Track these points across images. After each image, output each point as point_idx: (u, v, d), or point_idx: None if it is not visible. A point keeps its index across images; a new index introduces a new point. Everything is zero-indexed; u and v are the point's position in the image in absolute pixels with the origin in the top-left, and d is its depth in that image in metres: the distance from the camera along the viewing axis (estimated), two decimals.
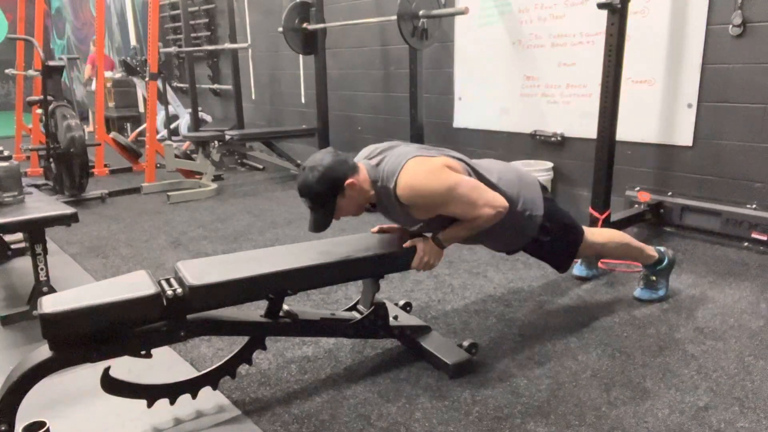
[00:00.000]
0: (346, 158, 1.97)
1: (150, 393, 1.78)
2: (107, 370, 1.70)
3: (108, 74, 8.36)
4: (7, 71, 7.21)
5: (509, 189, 2.09)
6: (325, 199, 1.93)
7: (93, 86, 8.15)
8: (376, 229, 2.26)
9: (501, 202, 2.00)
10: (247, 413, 1.84)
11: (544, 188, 2.25)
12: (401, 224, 2.16)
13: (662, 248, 2.60)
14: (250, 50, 6.81)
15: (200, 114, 7.25)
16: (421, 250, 2.04)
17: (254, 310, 2.03)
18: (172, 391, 1.82)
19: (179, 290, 1.68)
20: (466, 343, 2.10)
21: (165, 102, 7.12)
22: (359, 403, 1.88)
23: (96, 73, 6.54)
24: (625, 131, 3.35)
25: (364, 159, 2.06)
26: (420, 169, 1.93)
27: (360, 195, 1.97)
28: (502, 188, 2.07)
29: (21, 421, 1.52)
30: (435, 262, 2.06)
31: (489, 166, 2.16)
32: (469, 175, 2.03)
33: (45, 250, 2.55)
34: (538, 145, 4.11)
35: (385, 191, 1.97)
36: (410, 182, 1.91)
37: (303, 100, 6.25)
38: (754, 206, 3.16)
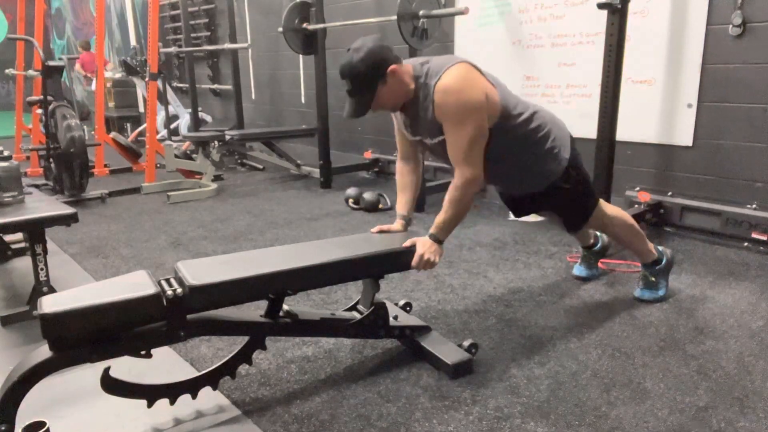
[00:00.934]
0: (390, 47, 1.98)
1: (150, 393, 1.78)
2: (107, 370, 1.70)
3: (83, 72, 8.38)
4: (7, 71, 7.21)
5: (544, 123, 2.12)
6: (367, 83, 1.93)
7: (93, 86, 8.15)
8: (376, 229, 2.26)
9: (481, 171, 2.01)
10: (247, 413, 1.84)
11: (572, 138, 2.27)
12: (423, 133, 2.12)
13: (661, 248, 2.60)
14: (250, 50, 6.81)
15: (200, 114, 7.25)
16: (420, 248, 2.04)
17: (254, 310, 2.03)
18: (172, 391, 1.82)
19: (179, 290, 1.68)
20: (466, 343, 2.10)
21: (165, 102, 7.13)
22: (359, 403, 1.88)
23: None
24: (625, 131, 3.36)
25: (412, 60, 2.08)
26: (465, 76, 1.94)
27: (400, 86, 1.97)
28: (537, 118, 2.10)
29: (21, 421, 1.52)
30: (435, 259, 2.06)
31: (527, 102, 2.18)
32: (507, 102, 2.04)
33: (45, 250, 2.54)
34: None
35: (425, 88, 1.97)
36: (451, 81, 1.92)
37: (303, 100, 6.25)
38: (754, 206, 3.16)
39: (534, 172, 2.21)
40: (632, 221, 2.53)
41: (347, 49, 1.96)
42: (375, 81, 1.92)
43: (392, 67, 1.93)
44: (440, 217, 2.07)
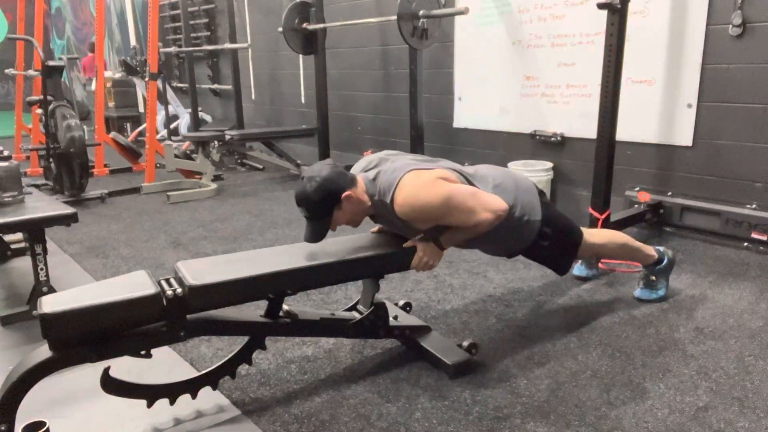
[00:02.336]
0: (344, 171, 1.98)
1: (150, 393, 1.78)
2: (107, 370, 1.70)
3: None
4: (7, 71, 7.21)
5: (506, 195, 2.08)
6: (322, 211, 1.94)
7: (93, 86, 8.15)
8: (376, 229, 2.27)
9: (500, 204, 2.00)
10: (247, 413, 1.84)
11: (541, 192, 2.25)
12: (404, 234, 2.15)
13: (662, 248, 2.60)
14: (250, 50, 6.81)
15: (200, 114, 7.25)
16: (421, 250, 2.04)
17: (254, 310, 2.03)
18: (172, 391, 1.82)
19: (179, 290, 1.68)
20: (466, 343, 2.10)
21: (165, 102, 7.12)
22: (359, 403, 1.88)
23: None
24: (625, 131, 3.35)
25: (361, 172, 2.07)
26: (415, 184, 1.94)
27: (358, 207, 1.99)
28: (501, 188, 2.08)
29: (21, 421, 1.52)
30: (435, 262, 2.06)
31: (485, 173, 2.16)
32: (465, 184, 2.04)
33: (45, 250, 2.55)
34: (538, 145, 4.11)
35: (383, 205, 1.99)
36: (407, 198, 1.92)
37: (303, 100, 6.25)
38: (754, 206, 3.16)
39: (509, 242, 2.20)
40: (624, 239, 2.51)
41: (301, 178, 1.97)
42: (330, 207, 1.94)
43: (346, 193, 1.93)
44: (452, 231, 2.05)
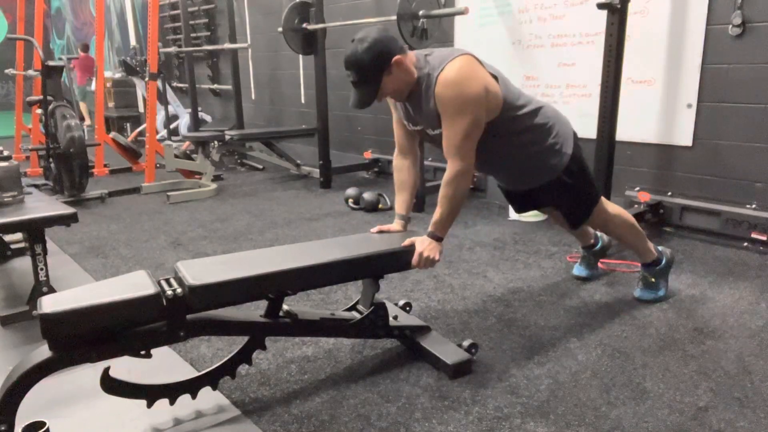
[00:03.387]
0: (395, 37, 1.98)
1: (150, 393, 1.78)
2: (107, 370, 1.70)
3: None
4: (7, 71, 7.21)
5: (547, 117, 2.13)
6: (372, 73, 1.94)
7: (93, 86, 8.15)
8: (376, 229, 2.26)
9: (471, 162, 2.01)
10: (246, 413, 1.84)
11: (575, 134, 2.28)
12: (425, 125, 2.12)
13: (661, 248, 2.60)
14: (249, 50, 6.81)
15: (200, 114, 7.25)
16: (420, 247, 2.04)
17: (254, 310, 2.03)
18: (171, 392, 1.82)
19: (179, 290, 1.68)
20: (466, 343, 2.10)
21: (165, 102, 7.13)
22: (359, 403, 1.88)
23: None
24: (625, 131, 3.36)
25: (416, 51, 2.08)
26: (467, 69, 1.95)
27: (405, 77, 1.98)
28: (539, 113, 2.11)
29: (21, 421, 1.52)
30: (435, 256, 2.06)
31: (530, 96, 2.19)
32: (508, 95, 2.05)
33: (45, 250, 2.54)
34: None
35: (428, 79, 1.98)
36: (452, 73, 1.93)
37: (303, 100, 6.25)
38: (754, 206, 3.16)
39: (536, 166, 2.21)
40: (633, 221, 2.54)
41: (351, 40, 1.97)
42: (380, 72, 1.93)
43: (397, 57, 1.93)
44: (436, 215, 2.07)
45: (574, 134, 2.27)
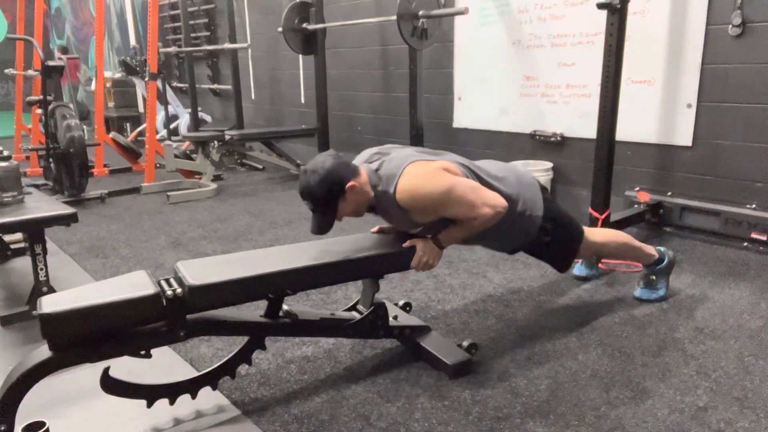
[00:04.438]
0: (347, 161, 1.98)
1: (150, 393, 1.78)
2: (107, 370, 1.70)
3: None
4: (6, 71, 7.21)
5: (509, 189, 2.09)
6: (327, 202, 1.94)
7: (92, 86, 8.14)
8: (376, 229, 2.27)
9: (500, 201, 2.00)
10: (246, 413, 1.84)
11: (543, 189, 2.25)
12: (402, 228, 2.16)
13: (662, 248, 2.60)
14: (249, 50, 6.81)
15: (200, 114, 7.25)
16: (421, 249, 2.04)
17: (254, 310, 2.03)
18: (171, 391, 1.82)
19: (179, 290, 1.68)
20: (465, 343, 2.10)
21: (165, 102, 7.12)
22: (359, 403, 1.88)
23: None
24: (625, 131, 3.35)
25: (363, 163, 2.07)
26: (418, 173, 1.94)
27: (361, 197, 1.98)
28: (501, 188, 2.08)
29: (21, 421, 1.52)
30: (434, 262, 2.07)
31: (488, 166, 2.17)
32: (468, 177, 2.03)
33: (45, 250, 2.54)
34: (537, 145, 4.11)
35: (385, 196, 1.98)
36: (409, 187, 1.93)
37: (303, 100, 6.25)
38: (753, 206, 3.16)
39: (509, 235, 2.20)
40: (625, 239, 2.52)
41: (303, 170, 1.96)
42: (335, 199, 1.94)
43: (350, 183, 1.92)
44: (451, 229, 2.05)
45: (542, 189, 2.24)
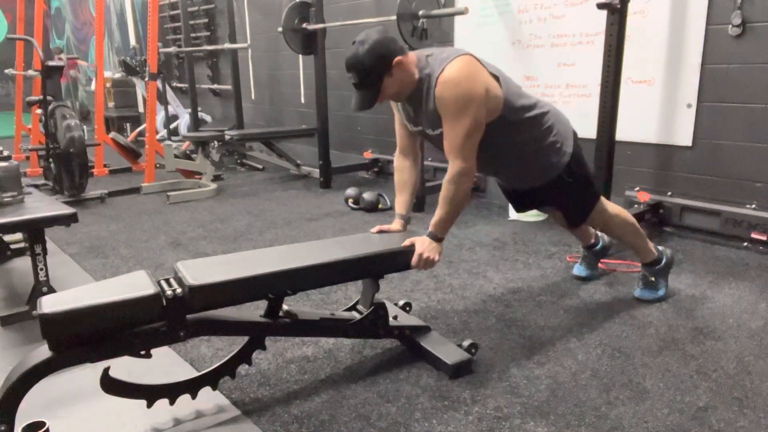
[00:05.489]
0: (395, 38, 1.98)
1: (149, 393, 1.78)
2: (107, 370, 1.70)
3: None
4: (6, 71, 7.21)
5: (547, 116, 2.14)
6: (373, 75, 1.93)
7: (93, 86, 8.13)
8: (376, 229, 2.26)
9: (473, 164, 2.01)
10: (246, 413, 1.84)
11: (575, 133, 2.29)
12: (425, 125, 2.13)
13: (661, 248, 2.60)
14: (249, 50, 6.81)
15: (200, 114, 7.25)
16: (420, 247, 2.04)
17: (254, 310, 2.03)
18: (171, 392, 1.82)
19: (179, 290, 1.68)
20: (465, 343, 2.10)
21: (164, 102, 7.12)
22: (359, 403, 1.88)
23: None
24: (625, 131, 3.36)
25: (417, 51, 2.08)
26: (467, 69, 1.94)
27: (406, 77, 1.97)
28: (539, 111, 2.12)
29: (21, 421, 1.51)
30: (435, 257, 2.06)
31: (530, 95, 2.20)
32: (509, 95, 2.04)
33: (44, 250, 2.54)
34: None
35: (428, 80, 1.97)
36: (452, 73, 1.93)
37: (303, 100, 6.25)
38: (753, 206, 3.16)
39: (536, 165, 2.22)
40: (633, 220, 2.54)
41: (352, 42, 1.96)
42: (381, 73, 1.93)
43: (397, 58, 1.92)
44: (437, 215, 2.07)
45: (574, 133, 2.28)
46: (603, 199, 2.42)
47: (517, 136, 2.12)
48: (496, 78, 2.04)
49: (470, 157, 2.01)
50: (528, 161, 2.20)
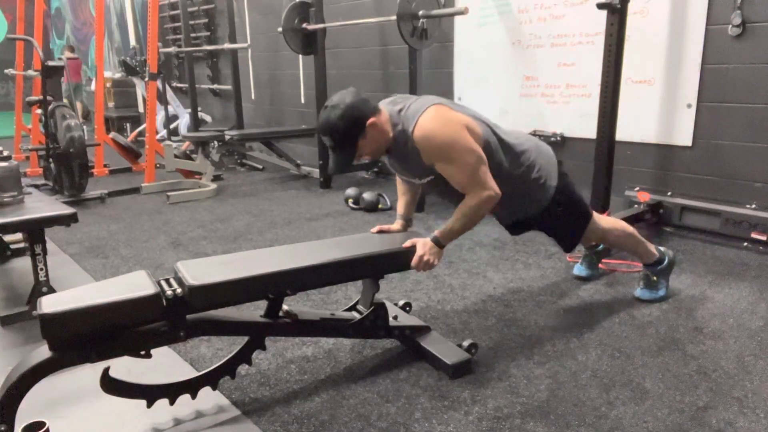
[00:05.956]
0: (368, 99, 1.98)
1: (149, 393, 1.78)
2: (107, 370, 1.70)
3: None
4: (6, 71, 7.21)
5: (527, 153, 2.12)
6: (347, 139, 1.93)
7: (93, 86, 8.14)
8: (376, 229, 2.26)
9: (496, 188, 2.00)
10: (246, 413, 1.84)
11: (560, 162, 2.28)
12: (411, 175, 2.14)
13: (663, 248, 2.60)
14: (249, 50, 6.81)
15: (200, 114, 7.25)
16: (421, 249, 2.04)
17: (254, 310, 2.03)
18: (171, 392, 1.82)
19: (179, 290, 1.68)
20: (465, 343, 2.10)
21: (164, 102, 7.13)
22: (359, 404, 1.88)
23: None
24: (625, 131, 3.36)
25: (387, 104, 2.07)
26: (439, 116, 1.95)
27: (380, 136, 1.98)
28: (520, 150, 2.10)
29: (21, 421, 1.51)
30: (435, 261, 2.06)
31: (508, 130, 2.18)
32: (488, 135, 2.04)
33: (44, 250, 2.54)
34: None
35: (403, 135, 1.97)
36: (426, 126, 1.93)
37: (303, 100, 6.25)
38: (753, 206, 3.16)
39: (521, 201, 2.21)
40: (630, 229, 2.53)
41: (324, 106, 1.97)
42: (355, 136, 1.93)
43: (371, 120, 1.93)
44: (448, 225, 2.06)
45: (559, 163, 2.26)
46: (595, 215, 2.40)
47: (499, 175, 2.08)
48: (474, 118, 2.05)
49: (488, 184, 1.99)
50: (512, 200, 2.17)
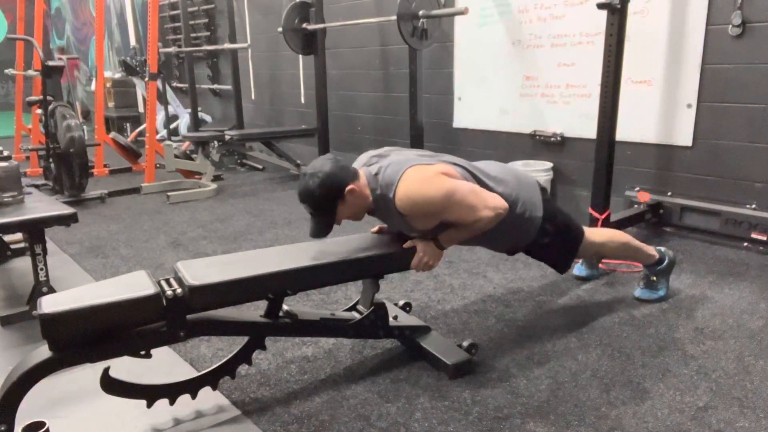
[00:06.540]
0: (347, 164, 1.98)
1: (149, 393, 1.78)
2: (107, 370, 1.70)
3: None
4: (6, 71, 7.20)
5: (508, 191, 2.09)
6: (326, 206, 1.94)
7: (93, 86, 8.14)
8: (376, 229, 2.27)
9: (501, 203, 2.00)
10: (246, 413, 1.84)
11: (543, 189, 2.25)
12: (401, 230, 2.16)
13: (662, 248, 2.60)
14: (249, 50, 6.81)
15: (200, 114, 7.24)
16: (421, 250, 2.04)
17: (254, 310, 2.03)
18: (171, 392, 1.82)
19: (179, 290, 1.68)
20: (465, 343, 2.10)
21: (164, 102, 7.12)
22: (359, 404, 1.88)
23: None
24: (625, 131, 3.35)
25: (363, 166, 2.07)
26: (417, 178, 1.94)
27: (360, 201, 1.98)
28: (500, 190, 2.07)
29: (21, 421, 1.52)
30: (434, 262, 2.07)
31: (486, 168, 2.17)
32: (467, 179, 2.03)
33: (44, 250, 2.54)
34: (537, 145, 4.11)
35: (384, 200, 1.98)
36: (408, 192, 1.92)
37: (303, 100, 6.25)
38: (753, 206, 3.16)
39: (509, 236, 2.19)
40: (626, 239, 2.52)
41: (303, 174, 1.97)
42: (334, 202, 1.94)
43: (349, 187, 1.92)
44: (452, 231, 2.05)
45: (542, 190, 2.24)
46: (588, 231, 2.38)
47: None
48: (453, 164, 2.04)
49: (489, 204, 1.98)
50: (499, 237, 2.16)
